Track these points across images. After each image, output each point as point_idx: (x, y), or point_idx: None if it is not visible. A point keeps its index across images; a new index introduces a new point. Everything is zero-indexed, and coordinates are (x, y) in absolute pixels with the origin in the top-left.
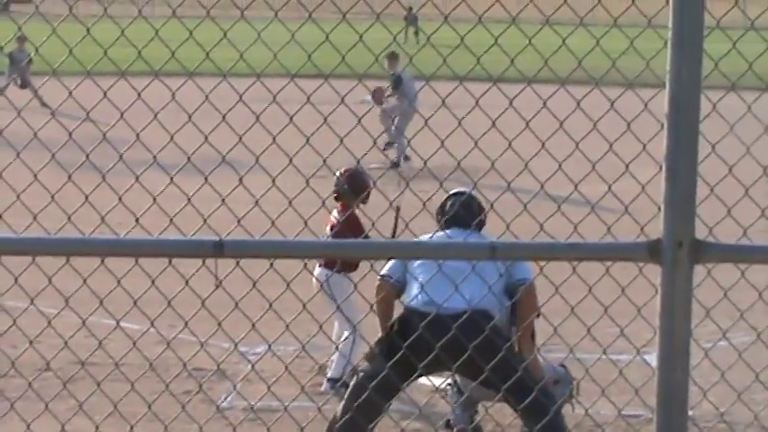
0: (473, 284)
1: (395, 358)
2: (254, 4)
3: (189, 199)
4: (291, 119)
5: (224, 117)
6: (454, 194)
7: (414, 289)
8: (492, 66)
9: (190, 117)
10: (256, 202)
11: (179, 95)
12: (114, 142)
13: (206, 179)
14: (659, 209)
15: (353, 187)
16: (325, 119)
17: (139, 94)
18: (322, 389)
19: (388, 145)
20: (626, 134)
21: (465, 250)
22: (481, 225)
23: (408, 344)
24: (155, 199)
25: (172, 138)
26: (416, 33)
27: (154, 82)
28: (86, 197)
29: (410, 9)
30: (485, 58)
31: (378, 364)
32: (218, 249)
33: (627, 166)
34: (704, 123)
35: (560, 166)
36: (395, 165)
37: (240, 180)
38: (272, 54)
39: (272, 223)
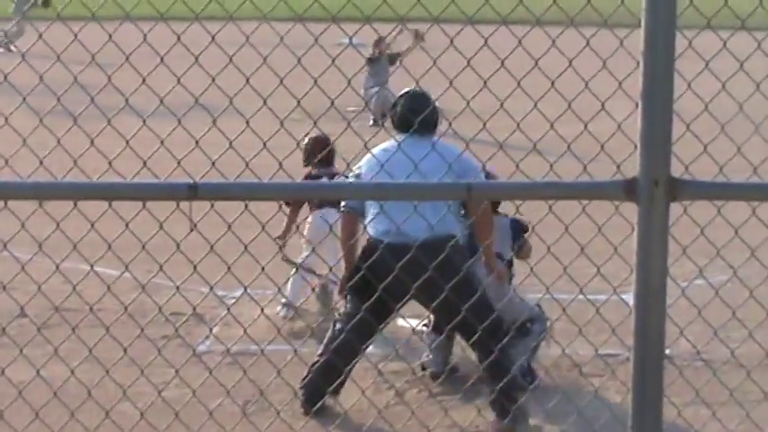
0: (433, 204)
1: (369, 301)
2: None
3: (162, 142)
4: (265, 60)
5: (197, 59)
6: (404, 94)
7: (374, 216)
8: (467, 5)
9: (162, 59)
10: (230, 144)
11: (152, 38)
12: (87, 87)
13: (179, 122)
14: (635, 147)
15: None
16: (299, 60)
17: (110, 36)
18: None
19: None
20: (602, 73)
21: (441, 190)
22: (434, 126)
23: (377, 278)
24: (127, 142)
25: (144, 80)
26: None
27: (126, 25)
28: (58, 141)
29: None
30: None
31: (351, 304)
32: (193, 192)
33: (603, 105)
34: (679, 61)
35: (536, 105)
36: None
37: (213, 122)
38: None
39: (246, 165)
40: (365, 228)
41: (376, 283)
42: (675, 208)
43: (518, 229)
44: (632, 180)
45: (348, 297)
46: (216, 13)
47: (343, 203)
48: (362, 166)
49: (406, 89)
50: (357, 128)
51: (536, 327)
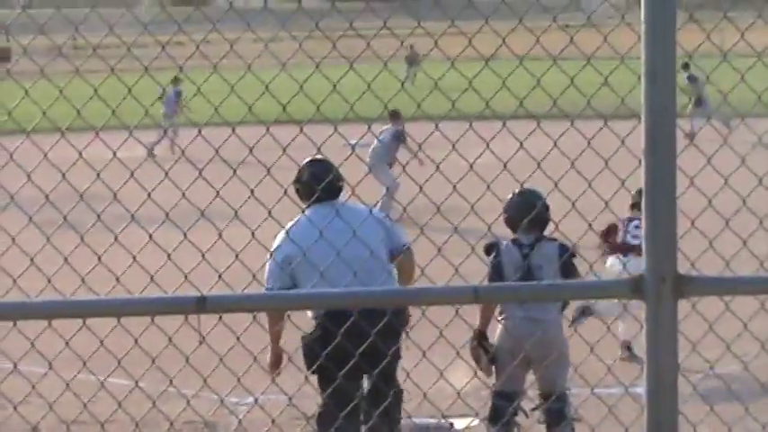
0: (372, 268)
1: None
2: (214, 54)
3: (168, 256)
4: (269, 171)
5: (200, 173)
6: (307, 164)
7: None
8: (469, 104)
9: (166, 174)
10: (236, 256)
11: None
12: (90, 199)
13: (185, 236)
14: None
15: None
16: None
17: (114, 154)
18: None
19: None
20: (604, 167)
21: (448, 294)
22: (338, 191)
23: (342, 349)
24: (134, 258)
25: (149, 195)
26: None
27: (126, 135)
28: (65, 259)
29: (411, 47)
30: (464, 99)
31: (327, 394)
32: (201, 305)
33: (606, 204)
34: (681, 156)
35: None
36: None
37: (219, 235)
38: (246, 103)
39: (254, 277)
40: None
41: (342, 354)
42: (684, 303)
43: (566, 256)
44: (639, 278)
45: (319, 390)
46: (215, 119)
47: (269, 285)
48: (291, 241)
49: (308, 159)
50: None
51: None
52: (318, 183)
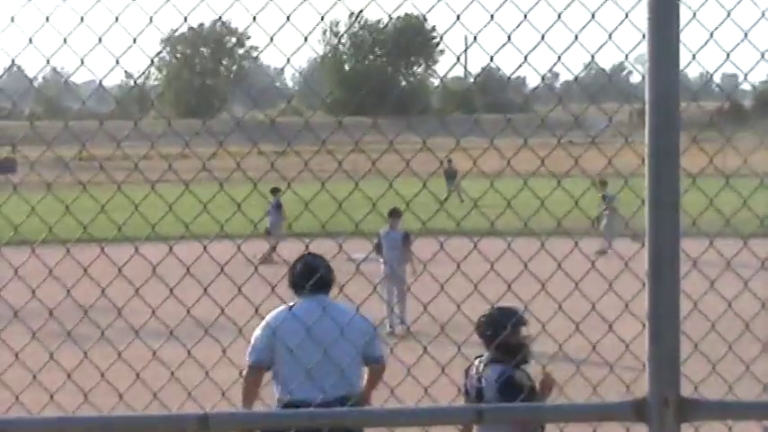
0: (348, 363)
1: None
2: (220, 167)
3: (172, 373)
4: (273, 289)
5: (205, 290)
6: (303, 257)
7: (293, 377)
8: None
9: (171, 291)
10: (240, 373)
11: (157, 262)
12: (96, 312)
13: (189, 352)
14: (644, 366)
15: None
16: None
17: (120, 270)
18: None
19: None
20: (608, 290)
21: (451, 413)
22: (329, 285)
23: None
24: (138, 375)
25: (154, 312)
26: (455, 190)
27: (130, 249)
28: (68, 375)
29: (449, 161)
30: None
31: None
32: (203, 423)
33: (610, 326)
34: (685, 279)
35: (543, 326)
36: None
37: (223, 352)
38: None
39: (257, 394)
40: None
41: None
42: (687, 426)
43: (501, 381)
44: (642, 400)
45: None
46: (221, 233)
47: (254, 360)
48: (270, 329)
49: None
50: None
51: None
52: (310, 275)
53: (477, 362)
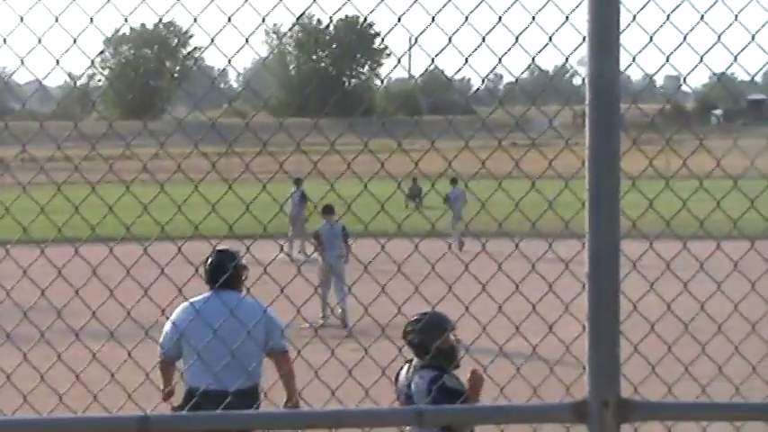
0: (247, 355)
1: None
2: (163, 168)
3: (113, 375)
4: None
5: (146, 291)
6: (214, 252)
7: (195, 365)
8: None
9: (111, 292)
10: (181, 375)
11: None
12: (33, 312)
13: (129, 354)
14: (584, 368)
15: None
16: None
17: (60, 272)
18: None
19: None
20: (548, 291)
21: (394, 417)
22: (236, 281)
23: None
24: (78, 376)
25: (94, 314)
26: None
27: (71, 250)
28: (8, 377)
29: (414, 180)
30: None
31: None
32: (144, 424)
33: (550, 328)
34: (625, 280)
35: (484, 328)
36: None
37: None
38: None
39: (199, 395)
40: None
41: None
42: (627, 427)
43: (435, 389)
44: (582, 402)
45: None
46: (153, 231)
47: (162, 352)
48: (180, 319)
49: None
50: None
51: None
52: (219, 271)
53: (406, 367)
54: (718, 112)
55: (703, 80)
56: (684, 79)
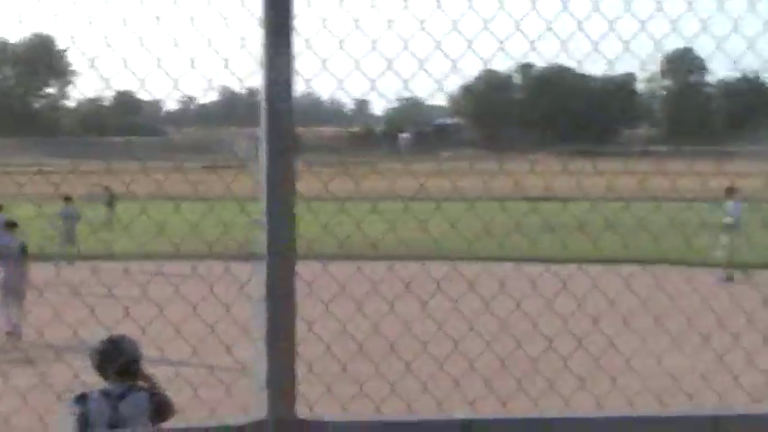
0: None
1: None
2: None
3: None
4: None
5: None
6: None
7: None
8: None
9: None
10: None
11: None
12: None
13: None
14: (262, 387)
15: None
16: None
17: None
18: None
19: None
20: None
21: None
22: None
23: None
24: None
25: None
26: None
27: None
28: None
29: (107, 188)
30: None
31: None
32: None
33: (228, 348)
34: (301, 302)
35: (162, 351)
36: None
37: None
38: None
39: None
40: None
41: None
42: None
43: (154, 405)
44: (260, 421)
45: None
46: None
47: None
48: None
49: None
50: None
51: None
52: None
53: (96, 393)
54: (405, 135)
55: (393, 104)
56: (363, 105)
